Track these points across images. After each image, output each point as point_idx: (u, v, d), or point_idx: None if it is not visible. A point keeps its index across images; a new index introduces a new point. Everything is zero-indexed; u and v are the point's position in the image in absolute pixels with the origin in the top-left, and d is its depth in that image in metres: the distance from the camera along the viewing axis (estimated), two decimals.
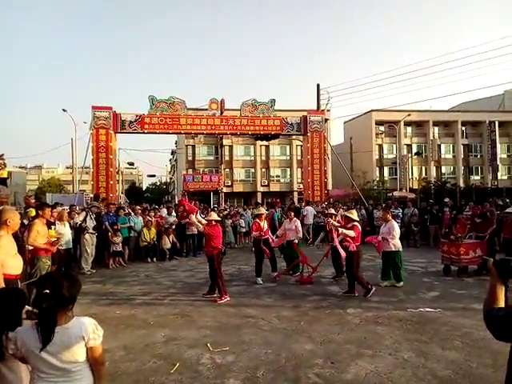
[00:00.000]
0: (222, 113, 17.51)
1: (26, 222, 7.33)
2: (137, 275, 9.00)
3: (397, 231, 7.38)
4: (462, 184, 33.54)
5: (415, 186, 31.54)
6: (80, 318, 2.07)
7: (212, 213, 7.52)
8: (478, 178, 41.25)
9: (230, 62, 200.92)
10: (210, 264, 6.72)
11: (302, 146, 23.46)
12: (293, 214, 8.91)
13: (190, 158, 39.59)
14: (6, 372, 2.35)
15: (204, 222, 7.10)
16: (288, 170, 40.79)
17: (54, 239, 5.88)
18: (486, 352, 4.09)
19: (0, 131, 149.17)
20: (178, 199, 11.44)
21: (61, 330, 1.95)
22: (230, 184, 38.77)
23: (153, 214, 12.00)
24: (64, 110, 26.40)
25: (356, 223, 6.99)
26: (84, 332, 1.99)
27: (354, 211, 7.78)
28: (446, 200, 13.52)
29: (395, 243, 7.35)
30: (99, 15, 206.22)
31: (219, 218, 7.43)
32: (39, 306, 1.91)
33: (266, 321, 5.36)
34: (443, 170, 41.71)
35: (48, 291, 1.90)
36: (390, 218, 7.64)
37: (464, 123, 41.95)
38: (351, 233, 6.74)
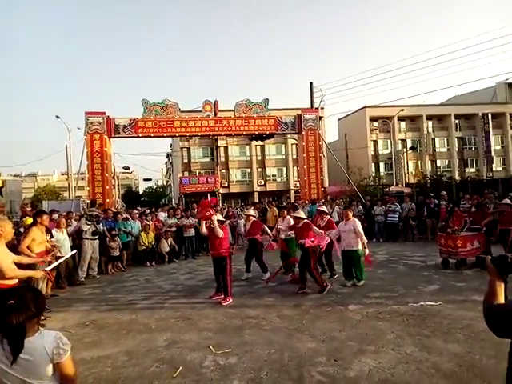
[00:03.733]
0: (215, 114, 17.47)
1: (22, 230, 7.28)
2: (136, 280, 8.96)
3: (361, 228, 7.29)
4: (457, 177, 33.65)
5: (411, 181, 31.64)
6: (45, 331, 1.95)
7: (217, 214, 7.45)
8: (473, 170, 41.46)
9: (222, 63, 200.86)
10: (219, 265, 6.68)
11: (297, 144, 23.49)
12: (286, 212, 8.94)
13: (186, 161, 39.53)
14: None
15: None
16: (284, 169, 40.82)
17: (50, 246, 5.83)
18: (488, 343, 4.09)
19: None
20: (200, 201, 11.35)
21: (26, 344, 1.84)
22: (226, 185, 38.75)
23: (150, 217, 11.96)
24: (57, 116, 26.39)
25: (306, 221, 7.19)
26: (47, 347, 1.87)
27: (301, 211, 8.04)
28: (443, 193, 13.55)
29: (359, 241, 7.21)
30: (90, 20, 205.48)
31: (224, 219, 7.39)
32: (4, 318, 1.81)
33: (268, 321, 5.35)
34: (438, 163, 41.89)
35: (13, 302, 1.83)
36: (352, 216, 7.52)
37: (457, 116, 42.16)
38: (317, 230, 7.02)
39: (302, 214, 7.50)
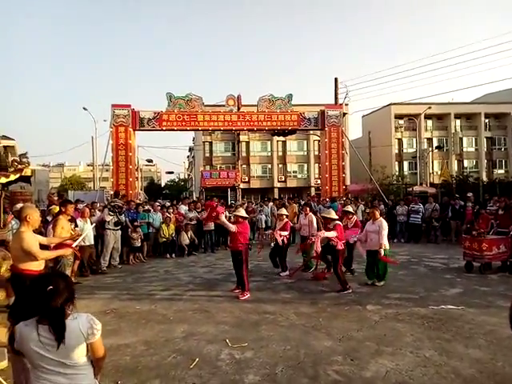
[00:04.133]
0: (239, 109, 17.49)
1: (49, 218, 7.52)
2: (156, 271, 9.12)
3: (386, 230, 7.15)
4: (485, 178, 32.60)
5: (436, 181, 30.85)
6: (77, 314, 2.06)
7: (240, 209, 7.44)
8: (502, 171, 40.06)
9: (247, 57, 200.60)
10: (236, 260, 6.72)
11: (319, 140, 23.25)
12: (308, 209, 8.88)
13: (208, 155, 39.81)
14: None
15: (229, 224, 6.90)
16: (305, 165, 40.54)
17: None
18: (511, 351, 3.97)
19: (24, 131, 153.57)
20: (204, 202, 11.49)
21: None
22: (247, 180, 38.82)
23: (171, 210, 12.13)
24: (85, 108, 26.96)
25: (337, 222, 7.06)
26: (82, 328, 1.99)
27: (332, 210, 7.74)
28: (469, 195, 13.15)
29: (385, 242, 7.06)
30: (117, 15, 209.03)
31: (247, 215, 7.35)
32: (46, 304, 1.91)
33: (285, 317, 5.35)
34: (465, 163, 40.69)
35: (52, 287, 1.93)
36: (379, 216, 7.36)
37: (487, 115, 40.78)
38: (332, 233, 6.86)
39: (333, 214, 7.35)
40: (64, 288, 1.98)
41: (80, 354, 1.99)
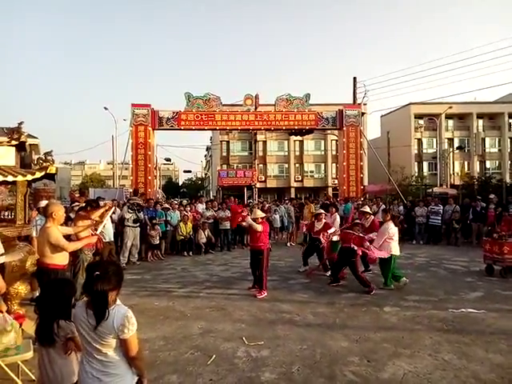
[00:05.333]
0: (256, 108, 17.51)
1: (72, 215, 7.70)
2: (174, 268, 9.24)
3: (391, 232, 6.90)
4: (508, 180, 31.71)
5: (457, 182, 30.20)
6: (119, 306, 2.10)
7: (256, 210, 7.40)
8: None
9: (265, 57, 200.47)
10: (256, 259, 6.75)
11: (337, 140, 23.10)
12: (334, 209, 8.93)
13: (225, 154, 40.01)
14: (56, 356, 2.51)
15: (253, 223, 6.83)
16: (322, 165, 40.27)
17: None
18: None
19: (48, 130, 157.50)
20: (229, 205, 11.63)
21: None
22: (263, 179, 38.83)
23: (189, 208, 12.26)
24: (105, 108, 27.48)
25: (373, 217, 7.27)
26: (115, 322, 2.02)
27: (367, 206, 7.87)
28: (491, 196, 12.83)
29: (391, 245, 6.86)
30: (138, 16, 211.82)
31: (264, 215, 7.33)
32: (91, 288, 2.00)
33: (301, 317, 5.36)
34: (488, 164, 39.65)
35: (99, 273, 2.01)
36: (389, 218, 7.13)
37: (511, 115, 39.61)
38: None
39: (368, 209, 7.50)
40: (111, 275, 2.04)
41: (110, 345, 2.04)
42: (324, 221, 8.28)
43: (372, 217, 8.04)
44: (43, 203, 6.41)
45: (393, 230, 6.95)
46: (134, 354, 2.09)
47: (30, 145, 18.16)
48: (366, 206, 9.00)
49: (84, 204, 6.76)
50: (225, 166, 38.73)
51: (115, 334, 2.02)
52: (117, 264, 2.30)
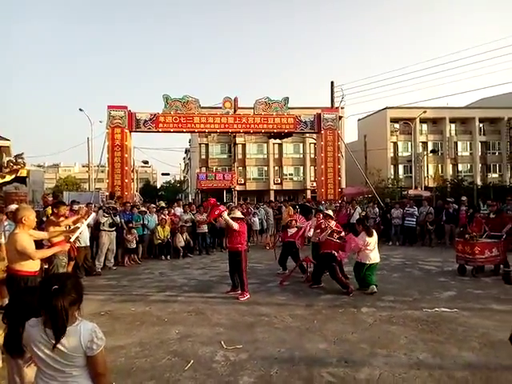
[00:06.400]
0: (235, 111, 17.53)
1: (44, 219, 7.48)
2: (151, 272, 9.10)
3: (366, 242, 6.93)
4: (479, 182, 32.84)
5: (431, 184, 31.04)
6: (83, 322, 1.94)
7: (236, 210, 7.48)
8: (496, 175, 40.44)
9: (243, 60, 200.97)
10: (235, 260, 6.72)
11: (315, 143, 23.34)
12: (322, 215, 8.97)
13: (204, 157, 39.84)
14: (26, 369, 2.41)
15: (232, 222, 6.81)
16: (301, 168, 40.68)
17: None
18: (504, 354, 4.00)
19: (19, 131, 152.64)
20: (205, 200, 11.51)
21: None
22: (242, 182, 38.87)
23: (167, 212, 12.11)
24: (81, 109, 26.98)
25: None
26: (82, 339, 1.87)
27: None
28: (463, 198, 13.25)
29: (368, 255, 6.95)
30: (112, 16, 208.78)
31: (242, 216, 7.38)
32: (49, 304, 1.83)
33: (279, 319, 5.36)
34: (460, 167, 41.02)
35: (57, 287, 1.86)
36: (361, 229, 7.17)
37: (482, 120, 41.16)
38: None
39: (331, 212, 7.70)
40: (70, 289, 1.89)
41: (75, 364, 1.90)
42: (295, 228, 8.45)
43: (333, 222, 7.74)
44: (12, 207, 6.20)
45: (367, 240, 6.95)
46: (101, 371, 1.95)
47: (1, 147, 17.57)
48: (330, 210, 9.12)
49: (51, 209, 6.54)
50: (204, 169, 38.56)
51: (83, 352, 1.88)
52: (75, 275, 2.13)
